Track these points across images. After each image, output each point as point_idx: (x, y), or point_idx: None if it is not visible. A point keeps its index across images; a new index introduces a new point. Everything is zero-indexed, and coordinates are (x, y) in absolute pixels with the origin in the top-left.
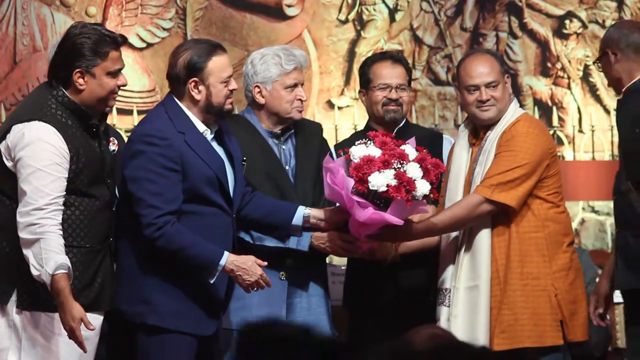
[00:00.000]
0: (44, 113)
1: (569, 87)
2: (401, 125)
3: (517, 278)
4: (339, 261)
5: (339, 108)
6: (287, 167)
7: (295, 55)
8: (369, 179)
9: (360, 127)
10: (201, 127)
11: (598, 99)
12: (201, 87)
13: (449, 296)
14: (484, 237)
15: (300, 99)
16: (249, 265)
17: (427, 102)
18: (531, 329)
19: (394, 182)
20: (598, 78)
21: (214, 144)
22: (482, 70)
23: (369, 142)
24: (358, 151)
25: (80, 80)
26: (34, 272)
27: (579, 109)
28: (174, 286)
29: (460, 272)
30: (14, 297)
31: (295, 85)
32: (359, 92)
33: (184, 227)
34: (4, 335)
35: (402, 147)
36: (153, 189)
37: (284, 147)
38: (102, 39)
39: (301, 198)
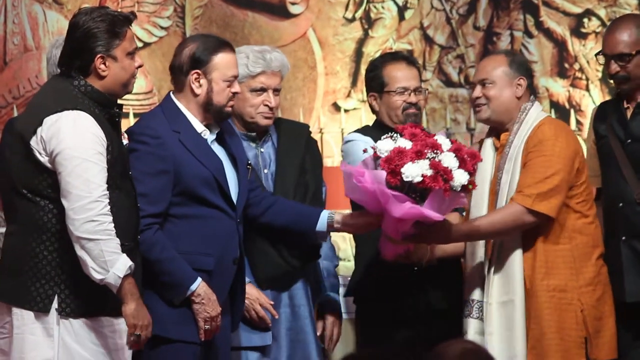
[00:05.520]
0: (75, 102)
1: (587, 89)
2: None
3: (544, 290)
4: (346, 272)
5: (346, 111)
6: (265, 171)
7: (265, 59)
8: (402, 170)
9: None
10: (199, 127)
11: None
12: (203, 81)
13: (477, 308)
14: (515, 249)
15: (267, 105)
16: (214, 299)
17: (438, 105)
18: (557, 343)
19: (429, 172)
20: None
21: (216, 146)
22: (481, 67)
23: (395, 135)
24: (385, 145)
25: (103, 66)
26: (96, 276)
27: None
28: None
29: (491, 285)
30: (55, 305)
31: (262, 90)
32: (370, 96)
33: (165, 239)
34: (46, 346)
35: (436, 138)
36: (139, 189)
37: (262, 150)
38: (116, 19)
39: None
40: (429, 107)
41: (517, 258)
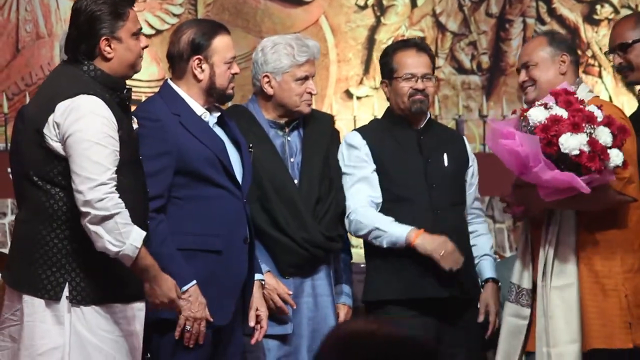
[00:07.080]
0: (87, 87)
1: (600, 76)
2: (425, 121)
3: (587, 275)
4: (359, 260)
5: (358, 98)
6: (292, 160)
7: (309, 47)
8: (561, 140)
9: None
10: (199, 109)
11: (631, 88)
12: (205, 66)
13: (516, 291)
14: (571, 233)
15: (310, 92)
16: (204, 304)
17: (450, 92)
18: (599, 329)
19: (587, 149)
20: None
21: (218, 130)
22: (523, 51)
23: (549, 103)
24: (538, 114)
25: (108, 48)
26: (113, 249)
27: (610, 98)
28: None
29: (549, 269)
30: (66, 292)
31: (306, 78)
32: (381, 83)
33: (167, 233)
34: (56, 334)
35: (588, 108)
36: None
37: (289, 138)
38: (118, 0)
39: (303, 192)
40: (442, 94)
41: (572, 241)
